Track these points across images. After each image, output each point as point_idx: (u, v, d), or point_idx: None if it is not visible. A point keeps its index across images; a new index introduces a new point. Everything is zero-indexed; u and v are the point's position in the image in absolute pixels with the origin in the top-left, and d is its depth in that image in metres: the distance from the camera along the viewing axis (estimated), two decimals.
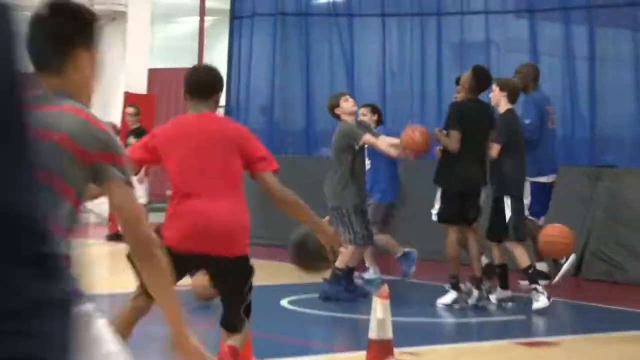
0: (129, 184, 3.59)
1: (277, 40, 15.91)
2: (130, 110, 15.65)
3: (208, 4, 21.66)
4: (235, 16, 16.51)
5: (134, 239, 3.61)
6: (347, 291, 10.39)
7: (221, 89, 6.51)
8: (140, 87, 17.86)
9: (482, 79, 10.35)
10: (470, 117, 10.04)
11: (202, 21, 21.77)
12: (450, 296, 10.02)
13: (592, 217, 12.34)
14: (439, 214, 10.33)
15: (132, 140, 15.33)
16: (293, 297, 10.30)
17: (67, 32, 3.56)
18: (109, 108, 18.06)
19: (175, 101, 20.09)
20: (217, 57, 20.36)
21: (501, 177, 10.10)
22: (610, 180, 12.38)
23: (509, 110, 10.32)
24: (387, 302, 5.89)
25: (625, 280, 11.68)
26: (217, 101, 6.48)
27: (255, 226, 13.91)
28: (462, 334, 9.85)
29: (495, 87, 10.43)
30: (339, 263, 9.99)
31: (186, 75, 6.51)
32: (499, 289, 10.27)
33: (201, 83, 6.39)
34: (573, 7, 13.01)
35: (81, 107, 3.55)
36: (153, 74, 18.32)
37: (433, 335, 9.13)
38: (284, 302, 10.14)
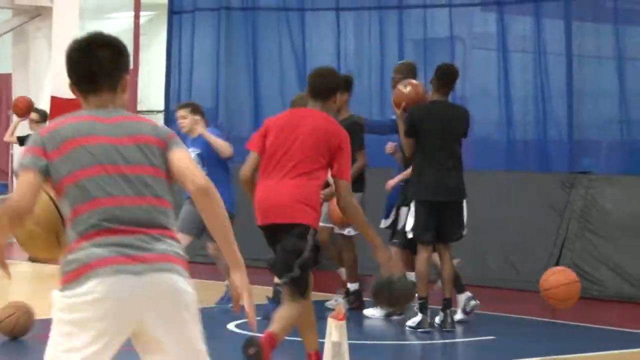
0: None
1: (221, 37, 15.37)
2: (34, 116, 14.75)
3: None
4: (174, 11, 15.94)
5: (200, 183, 4.08)
6: None
7: (339, 90, 7.89)
8: (68, 90, 16.99)
9: (445, 78, 9.85)
10: (428, 121, 9.52)
11: (137, 17, 21.34)
12: (417, 318, 9.45)
13: (566, 228, 11.89)
14: (413, 230, 9.63)
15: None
16: (241, 321, 9.72)
17: (123, 63, 4.22)
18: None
19: None
20: (154, 56, 19.92)
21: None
22: (585, 187, 11.92)
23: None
24: (344, 323, 5.41)
25: (602, 296, 11.32)
26: (335, 101, 7.82)
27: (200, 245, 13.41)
28: (426, 357, 9.56)
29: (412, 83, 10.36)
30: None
31: (309, 77, 7.96)
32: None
33: (322, 86, 7.68)
34: None
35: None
36: None
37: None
38: (231, 326, 9.77)
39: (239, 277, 4.17)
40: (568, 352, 8.85)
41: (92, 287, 3.81)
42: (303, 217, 7.15)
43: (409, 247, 10.19)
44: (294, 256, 7.03)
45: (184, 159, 4.17)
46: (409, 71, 11.55)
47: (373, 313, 10.22)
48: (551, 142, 12.42)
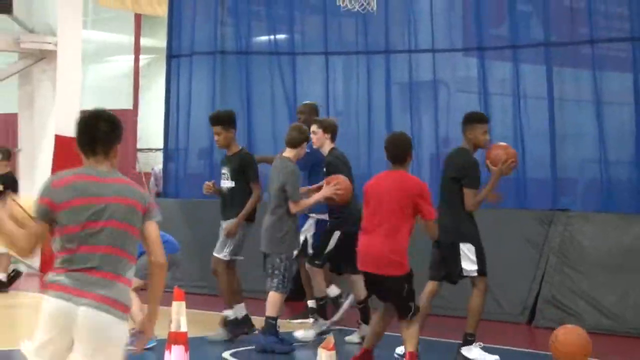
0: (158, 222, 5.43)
1: (216, 80, 15.50)
2: None
3: (143, 42, 21.30)
4: (173, 55, 16.06)
5: (159, 260, 5.38)
6: (280, 342, 10.03)
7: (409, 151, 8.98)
8: (70, 129, 17.12)
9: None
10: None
11: (137, 60, 21.39)
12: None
13: (545, 263, 12.01)
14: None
15: None
16: (236, 349, 9.86)
17: (116, 135, 5.42)
18: (38, 152, 17.44)
19: None
20: (154, 98, 19.97)
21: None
22: (563, 224, 12.05)
23: (333, 149, 10.78)
24: (333, 353, 5.54)
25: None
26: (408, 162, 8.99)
27: (193, 276, 13.52)
28: None
29: (318, 129, 10.70)
30: (271, 312, 9.85)
31: (386, 142, 9.13)
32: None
33: (398, 150, 8.93)
34: (525, 45, 12.74)
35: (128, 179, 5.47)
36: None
37: None
38: (226, 355, 9.69)
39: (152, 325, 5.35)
40: None
41: None
42: None
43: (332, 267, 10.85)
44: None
45: (154, 232, 5.32)
46: (312, 111, 11.88)
47: (305, 335, 10.34)
48: (530, 181, 12.48)
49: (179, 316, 7.28)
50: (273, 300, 9.86)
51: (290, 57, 14.75)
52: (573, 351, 8.16)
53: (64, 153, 16.93)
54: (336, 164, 10.61)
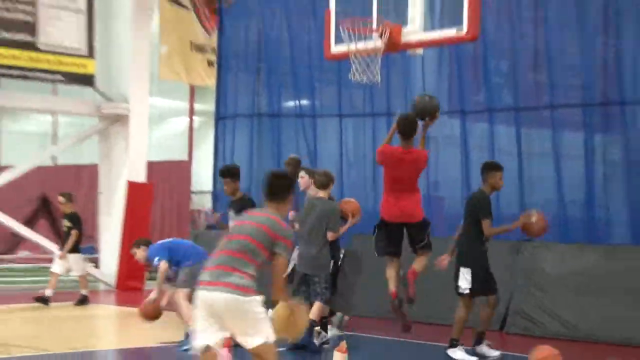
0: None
1: (253, 137, 15.43)
2: (61, 199, 14.86)
3: (196, 107, 21.35)
4: (220, 117, 15.98)
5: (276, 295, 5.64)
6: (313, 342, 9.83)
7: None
8: (140, 177, 17.29)
9: None
10: None
11: (191, 121, 21.45)
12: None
13: (514, 282, 11.78)
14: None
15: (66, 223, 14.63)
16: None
17: (286, 188, 5.97)
18: (114, 195, 17.38)
19: (170, 187, 19.45)
20: (204, 151, 19.92)
21: None
22: (528, 252, 11.86)
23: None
24: (346, 355, 5.30)
25: (542, 335, 11.08)
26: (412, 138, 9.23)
27: None
28: None
29: (305, 174, 10.74)
30: (314, 316, 9.68)
31: (400, 121, 9.32)
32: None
33: (407, 128, 9.26)
34: (499, 109, 12.54)
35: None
36: (151, 166, 17.76)
37: None
38: None
39: None
40: None
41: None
42: None
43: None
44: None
45: (278, 267, 5.69)
46: (295, 164, 11.63)
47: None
48: (503, 218, 12.06)
49: None
50: (317, 308, 9.79)
51: (311, 119, 14.64)
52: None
53: (135, 196, 16.89)
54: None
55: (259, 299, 5.47)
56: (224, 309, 5.49)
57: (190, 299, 9.35)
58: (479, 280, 9.36)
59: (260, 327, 5.46)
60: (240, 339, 5.55)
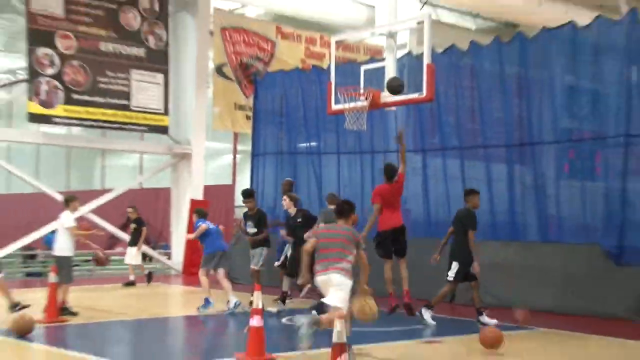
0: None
1: (277, 169, 15.13)
2: (129, 210, 14.83)
3: (238, 147, 21.28)
4: (255, 154, 15.73)
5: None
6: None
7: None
8: (199, 196, 17.18)
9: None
10: None
11: (234, 157, 21.33)
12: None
13: None
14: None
15: (132, 225, 14.49)
16: (291, 316, 9.27)
17: (348, 211, 6.52)
18: (182, 210, 17.34)
19: (219, 203, 19.40)
20: (244, 179, 19.82)
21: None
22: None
23: (299, 210, 10.63)
24: (343, 321, 5.22)
25: (499, 305, 10.50)
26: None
27: (264, 275, 13.01)
28: (392, 337, 8.60)
29: (286, 198, 10.59)
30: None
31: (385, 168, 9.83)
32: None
33: (390, 174, 9.73)
34: (449, 148, 12.35)
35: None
36: (206, 188, 17.70)
37: (372, 339, 8.04)
38: (284, 320, 9.28)
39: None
40: (463, 333, 8.51)
41: None
42: None
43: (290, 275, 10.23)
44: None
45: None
46: (289, 185, 11.57)
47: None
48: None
49: (257, 299, 6.94)
50: None
51: (318, 155, 14.45)
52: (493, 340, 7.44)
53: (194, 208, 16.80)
54: (306, 217, 10.54)
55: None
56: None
57: (207, 274, 10.11)
58: (462, 272, 9.24)
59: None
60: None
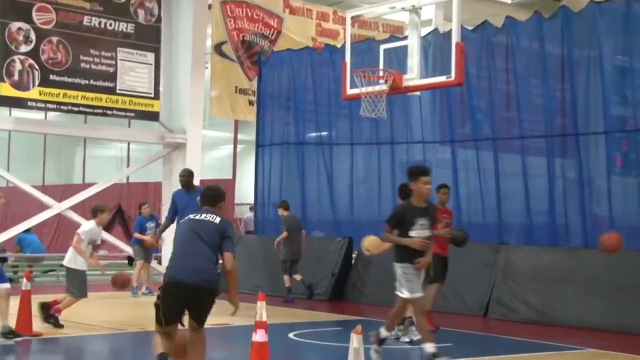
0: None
1: (283, 161, 15.15)
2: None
3: (239, 137, 21.24)
4: (259, 145, 15.72)
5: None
6: None
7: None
8: None
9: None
10: None
11: (235, 148, 21.30)
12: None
13: (495, 276, 11.50)
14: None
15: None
16: (298, 331, 9.35)
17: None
18: None
19: None
20: (245, 173, 19.81)
21: None
22: (505, 252, 11.56)
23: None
24: (361, 336, 5.17)
25: (517, 319, 10.80)
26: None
27: (268, 283, 13.07)
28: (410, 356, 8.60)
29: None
30: None
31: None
32: None
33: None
34: (480, 139, 12.25)
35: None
36: (203, 183, 17.62)
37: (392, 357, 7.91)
38: (291, 335, 9.21)
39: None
40: (498, 353, 8.43)
41: None
42: None
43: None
44: None
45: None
46: (189, 174, 11.28)
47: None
48: (486, 225, 12.05)
49: (261, 310, 6.83)
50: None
51: (329, 146, 14.41)
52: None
53: None
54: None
55: None
56: None
57: None
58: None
59: None
60: None
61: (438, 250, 9.02)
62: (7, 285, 8.25)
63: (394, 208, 7.39)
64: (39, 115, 20.60)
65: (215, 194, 6.06)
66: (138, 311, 11.93)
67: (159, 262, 17.70)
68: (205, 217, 5.85)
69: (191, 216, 5.96)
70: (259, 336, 6.60)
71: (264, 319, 6.71)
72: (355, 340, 5.13)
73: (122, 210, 22.06)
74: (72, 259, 9.38)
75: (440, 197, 9.50)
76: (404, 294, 6.87)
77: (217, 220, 5.83)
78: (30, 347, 8.36)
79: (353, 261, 13.35)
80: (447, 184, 9.98)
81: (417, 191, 6.94)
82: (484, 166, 12.09)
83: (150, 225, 14.39)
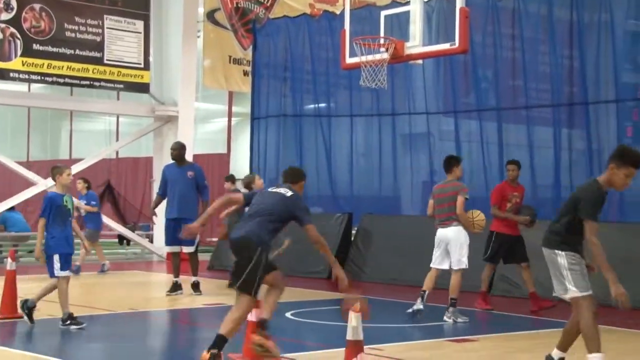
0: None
1: (280, 134, 15.14)
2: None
3: (234, 109, 21.17)
4: (254, 117, 15.67)
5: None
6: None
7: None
8: None
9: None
10: None
11: (229, 121, 21.27)
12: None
13: None
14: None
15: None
16: (295, 311, 9.39)
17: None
18: None
19: (211, 178, 19.31)
20: (240, 146, 19.80)
21: None
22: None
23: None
24: (359, 314, 5.20)
25: (520, 295, 10.81)
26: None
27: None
28: (412, 334, 8.68)
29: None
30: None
31: None
32: None
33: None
34: (484, 109, 12.27)
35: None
36: (196, 157, 17.68)
37: (392, 336, 8.03)
38: (288, 314, 9.22)
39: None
40: (503, 332, 8.46)
41: None
42: None
43: None
44: None
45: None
46: (181, 147, 11.23)
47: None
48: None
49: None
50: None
51: (327, 118, 14.38)
52: None
53: None
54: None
55: None
56: None
57: None
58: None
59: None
60: None
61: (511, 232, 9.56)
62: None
63: (596, 191, 5.62)
64: (22, 87, 20.52)
65: (298, 172, 6.94)
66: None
67: (151, 241, 17.75)
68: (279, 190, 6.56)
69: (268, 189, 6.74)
70: (255, 316, 6.65)
71: (260, 298, 6.75)
72: (354, 318, 5.18)
73: (112, 187, 22.05)
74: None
75: (510, 174, 9.43)
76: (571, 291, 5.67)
77: (289, 193, 6.51)
78: (15, 329, 8.36)
79: (353, 238, 13.39)
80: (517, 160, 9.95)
81: (612, 178, 5.62)
82: (488, 137, 12.12)
83: (82, 202, 13.87)
